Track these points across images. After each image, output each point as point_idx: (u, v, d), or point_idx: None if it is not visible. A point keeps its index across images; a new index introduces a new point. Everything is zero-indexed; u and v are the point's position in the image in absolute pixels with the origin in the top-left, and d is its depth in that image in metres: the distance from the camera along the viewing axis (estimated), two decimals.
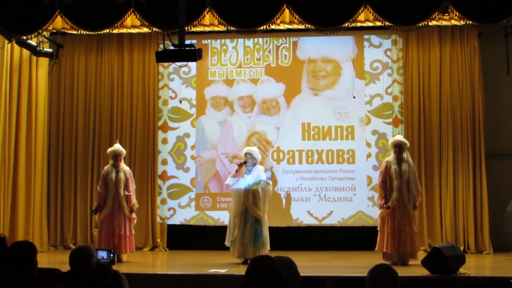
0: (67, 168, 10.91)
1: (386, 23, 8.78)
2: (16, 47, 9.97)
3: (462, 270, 7.51)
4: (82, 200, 10.80)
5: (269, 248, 8.74)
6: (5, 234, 9.33)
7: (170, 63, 10.43)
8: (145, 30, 9.81)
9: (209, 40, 11.00)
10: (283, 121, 10.86)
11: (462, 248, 9.66)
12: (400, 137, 8.92)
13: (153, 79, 10.95)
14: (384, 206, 8.55)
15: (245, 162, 8.84)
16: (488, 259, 9.59)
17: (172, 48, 7.53)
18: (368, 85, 10.75)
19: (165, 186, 10.96)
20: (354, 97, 10.53)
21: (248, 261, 7.95)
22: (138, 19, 8.75)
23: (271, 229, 8.96)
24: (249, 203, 8.67)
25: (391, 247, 8.44)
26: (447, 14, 8.70)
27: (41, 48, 10.14)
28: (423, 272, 7.56)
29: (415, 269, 8.03)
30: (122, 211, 9.03)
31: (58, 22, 9.16)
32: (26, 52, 10.17)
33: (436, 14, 8.40)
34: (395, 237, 8.44)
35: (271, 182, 9.01)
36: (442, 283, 5.89)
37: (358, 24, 9.50)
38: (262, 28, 8.72)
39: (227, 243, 8.81)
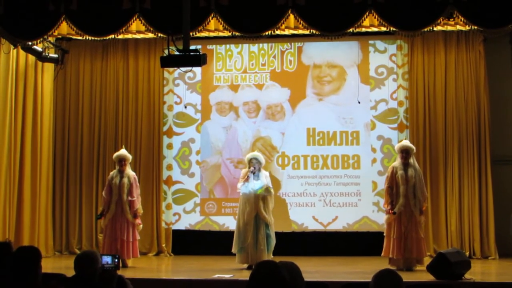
0: (73, 173, 10.93)
1: (391, 29, 8.77)
2: (22, 53, 9.99)
3: (467, 275, 7.47)
4: (87, 205, 10.81)
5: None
6: (11, 239, 9.36)
7: (175, 68, 10.44)
8: (150, 35, 9.84)
9: (214, 46, 11.01)
10: (288, 126, 10.85)
11: (467, 253, 9.64)
12: (407, 142, 8.88)
13: (158, 85, 10.97)
14: (391, 211, 8.52)
15: (255, 168, 8.81)
16: (494, 265, 9.56)
17: (177, 53, 7.54)
18: (373, 90, 10.74)
19: (170, 191, 10.96)
20: (359, 102, 10.54)
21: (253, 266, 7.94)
22: (143, 25, 8.76)
23: (276, 234, 8.93)
24: (259, 208, 8.66)
25: (397, 253, 8.42)
26: (452, 20, 8.68)
27: (47, 54, 10.17)
28: (428, 277, 7.54)
29: (420, 274, 8.00)
30: (125, 216, 9.04)
31: (64, 28, 9.18)
32: (31, 58, 10.20)
33: (441, 19, 8.40)
34: (401, 243, 8.41)
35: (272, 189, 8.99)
36: None
37: (363, 29, 9.52)
38: (267, 33, 8.73)
39: (234, 250, 8.77)
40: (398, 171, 8.60)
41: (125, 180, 9.10)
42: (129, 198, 9.09)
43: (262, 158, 8.98)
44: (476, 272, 8.17)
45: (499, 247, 10.00)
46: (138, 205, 9.20)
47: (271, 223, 8.71)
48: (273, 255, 8.72)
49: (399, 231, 8.46)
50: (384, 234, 8.67)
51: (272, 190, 8.84)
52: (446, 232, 10.22)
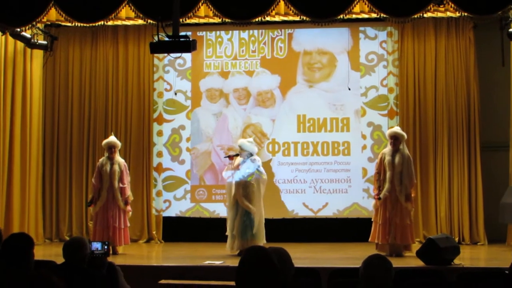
0: (62, 161, 10.89)
1: (382, 15, 8.77)
2: (10, 39, 9.92)
3: (456, 261, 7.53)
4: (77, 192, 10.78)
5: (264, 241, 8.66)
6: (0, 226, 9.34)
7: (165, 55, 10.40)
8: (140, 22, 9.77)
9: (204, 32, 10.96)
10: (278, 113, 10.84)
11: (456, 239, 9.70)
12: (397, 129, 8.88)
13: (148, 71, 10.92)
14: (376, 197, 8.57)
15: (236, 155, 8.80)
16: (483, 250, 9.62)
17: (166, 39, 7.51)
18: (364, 77, 10.74)
19: (161, 178, 10.95)
20: (349, 89, 10.54)
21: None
22: (133, 11, 8.72)
23: (267, 221, 8.94)
24: (239, 195, 8.64)
25: (382, 239, 8.47)
26: (442, 6, 8.68)
27: (36, 40, 10.09)
28: (418, 263, 7.59)
29: (410, 260, 8.05)
30: (117, 204, 9.03)
31: (53, 14, 9.12)
32: (20, 44, 10.13)
33: (431, 5, 8.40)
34: (386, 229, 8.45)
35: (264, 172, 8.91)
36: (436, 274, 5.90)
37: (354, 16, 9.50)
38: (257, 20, 8.69)
39: (227, 233, 8.83)
40: (386, 157, 8.63)
41: (116, 167, 9.07)
42: (120, 185, 9.07)
43: (247, 145, 8.80)
44: (465, 257, 8.24)
45: (488, 233, 10.06)
46: (129, 192, 9.20)
47: (251, 209, 8.60)
48: None
49: (384, 217, 8.50)
50: (372, 220, 8.72)
51: (259, 173, 8.76)
52: (436, 218, 10.27)
